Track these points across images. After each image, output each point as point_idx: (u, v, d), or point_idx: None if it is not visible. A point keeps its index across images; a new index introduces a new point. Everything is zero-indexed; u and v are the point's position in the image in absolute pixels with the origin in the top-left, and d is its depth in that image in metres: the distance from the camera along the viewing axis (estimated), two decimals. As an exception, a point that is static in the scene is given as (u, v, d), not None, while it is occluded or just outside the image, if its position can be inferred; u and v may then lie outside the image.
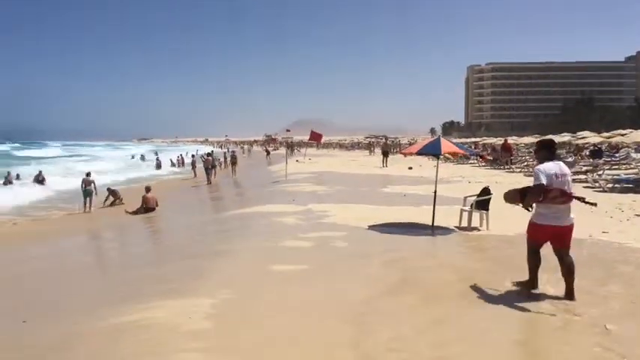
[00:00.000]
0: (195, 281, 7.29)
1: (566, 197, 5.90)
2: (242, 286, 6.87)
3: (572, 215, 6.02)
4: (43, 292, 8.18)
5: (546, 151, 6.15)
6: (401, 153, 17.42)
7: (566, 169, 6.07)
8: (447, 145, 10.77)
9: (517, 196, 6.39)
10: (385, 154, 36.39)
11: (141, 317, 5.87)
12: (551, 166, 5.97)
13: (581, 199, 6.26)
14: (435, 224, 10.84)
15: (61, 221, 17.34)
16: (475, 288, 6.56)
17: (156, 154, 65.00)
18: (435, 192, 11.20)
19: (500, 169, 31.06)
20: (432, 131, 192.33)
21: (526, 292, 6.28)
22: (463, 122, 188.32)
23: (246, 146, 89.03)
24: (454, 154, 11.77)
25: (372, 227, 11.06)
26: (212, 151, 35.19)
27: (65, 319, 6.34)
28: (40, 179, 28.91)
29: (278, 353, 4.75)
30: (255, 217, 13.54)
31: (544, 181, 5.84)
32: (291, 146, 59.81)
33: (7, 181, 28.53)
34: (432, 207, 11.14)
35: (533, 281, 6.36)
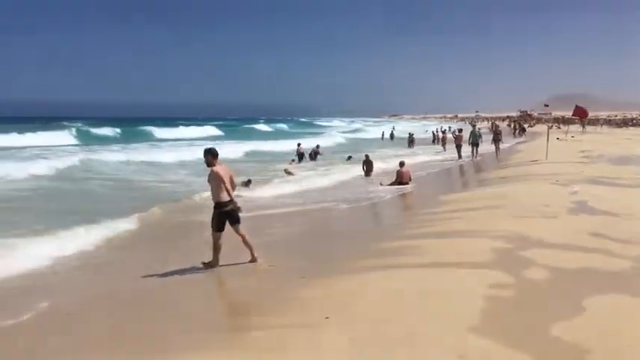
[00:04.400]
0: (456, 257, 7.26)
1: None
2: (509, 269, 6.57)
3: None
4: (321, 252, 9.14)
5: None
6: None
7: None
8: None
9: None
10: (672, 131, 30.83)
11: (409, 285, 6.10)
12: None
13: None
14: None
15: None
16: None
17: (392, 128, 67.24)
18: None
19: None
20: None
21: None
22: None
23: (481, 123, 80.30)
24: None
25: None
26: (475, 127, 33.36)
27: (330, 279, 6.95)
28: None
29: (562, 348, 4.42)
30: (509, 196, 12.85)
31: None
32: (515, 128, 53.56)
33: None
34: None
35: None
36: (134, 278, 7.68)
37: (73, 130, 55.05)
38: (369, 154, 23.73)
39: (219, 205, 7.77)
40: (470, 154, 28.12)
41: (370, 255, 8.24)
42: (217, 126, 78.62)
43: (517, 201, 12.06)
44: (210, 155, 7.84)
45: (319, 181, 19.77)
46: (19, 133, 47.44)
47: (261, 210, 13.67)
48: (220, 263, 8.12)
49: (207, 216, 8.19)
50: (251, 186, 18.22)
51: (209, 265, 7.92)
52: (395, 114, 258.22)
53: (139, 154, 30.25)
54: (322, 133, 69.70)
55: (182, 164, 26.43)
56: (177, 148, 36.39)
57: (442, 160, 28.84)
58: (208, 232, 8.09)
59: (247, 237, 8.04)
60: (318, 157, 29.12)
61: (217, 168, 7.77)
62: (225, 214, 7.80)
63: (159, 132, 62.99)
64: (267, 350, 4.75)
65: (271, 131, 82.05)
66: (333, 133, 66.99)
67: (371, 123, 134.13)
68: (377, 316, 5.24)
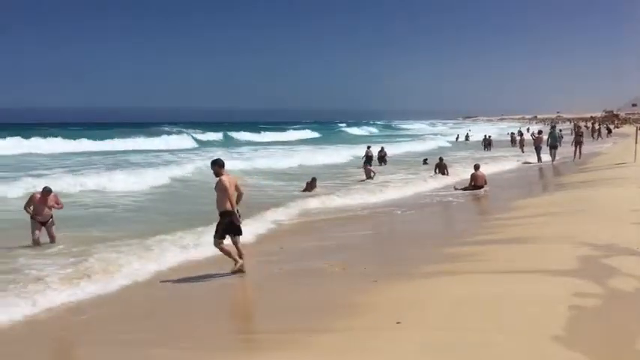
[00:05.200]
0: (534, 264, 7.00)
1: None
2: (594, 278, 6.26)
3: None
4: (392, 256, 9.09)
5: None
6: None
7: None
8: None
9: None
10: None
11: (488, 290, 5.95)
12: None
13: None
14: None
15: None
16: None
17: (469, 130, 65.31)
18: None
19: None
20: None
21: None
22: None
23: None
24: None
25: None
26: (555, 128, 31.53)
27: (402, 284, 6.89)
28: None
29: None
30: (592, 200, 12.22)
31: None
32: (594, 130, 49.52)
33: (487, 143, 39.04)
34: None
35: None
36: (225, 278, 7.99)
37: (184, 135, 55.95)
38: (443, 157, 23.36)
39: (224, 214, 7.96)
40: (549, 156, 26.94)
41: (443, 260, 8.10)
42: (312, 129, 79.38)
43: (602, 205, 11.43)
44: (217, 166, 8.08)
45: (394, 185, 19.65)
46: (121, 137, 48.27)
47: (336, 213, 13.80)
48: (293, 267, 8.28)
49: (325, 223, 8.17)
50: (317, 189, 18.32)
51: (238, 271, 8.02)
52: (469, 116, 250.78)
53: (254, 159, 29.56)
54: (420, 136, 67.96)
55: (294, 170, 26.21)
56: (287, 152, 36.28)
57: (520, 163, 27.78)
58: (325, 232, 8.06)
59: (243, 251, 8.14)
60: (385, 160, 28.85)
61: (224, 178, 7.95)
62: (230, 223, 7.97)
63: (258, 136, 63.26)
64: (336, 353, 4.77)
65: (365, 135, 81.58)
66: (430, 136, 64.58)
67: (451, 125, 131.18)
68: (450, 323, 5.14)
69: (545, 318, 4.98)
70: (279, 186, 20.06)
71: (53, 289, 7.21)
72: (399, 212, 14.06)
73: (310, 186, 18.59)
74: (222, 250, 8.08)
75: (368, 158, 26.42)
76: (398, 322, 5.21)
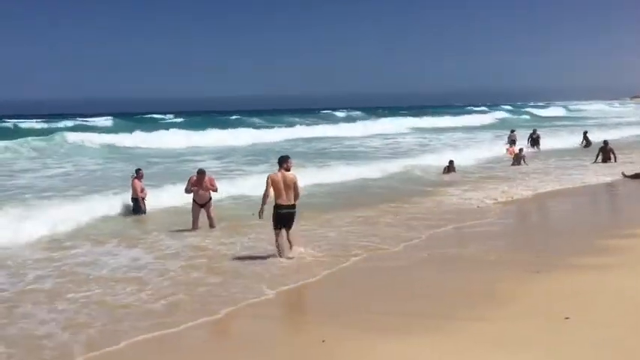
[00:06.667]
0: None
1: None
2: None
3: None
4: (551, 246, 8.54)
5: None
6: None
7: None
8: None
9: None
10: None
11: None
12: None
13: None
14: None
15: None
16: None
17: None
18: None
19: None
20: None
21: None
22: None
23: None
24: None
25: None
26: None
27: (565, 276, 6.37)
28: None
29: None
30: None
31: None
32: None
33: None
34: None
35: None
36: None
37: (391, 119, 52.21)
38: (608, 141, 21.23)
39: (275, 207, 8.26)
40: None
41: (607, 252, 7.62)
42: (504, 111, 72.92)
43: None
44: (278, 162, 8.44)
45: (549, 171, 18.38)
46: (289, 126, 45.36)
47: (482, 200, 13.23)
48: (440, 252, 8.12)
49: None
50: (456, 173, 17.68)
51: (280, 255, 8.28)
52: (637, 96, 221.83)
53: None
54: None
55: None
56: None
57: None
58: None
59: (293, 241, 8.41)
60: (538, 142, 26.45)
61: (273, 175, 8.28)
62: (280, 216, 8.22)
63: (450, 121, 54.76)
64: (488, 342, 4.61)
65: (557, 116, 72.72)
66: None
67: (635, 105, 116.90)
68: (623, 321, 4.73)
69: None
70: (424, 169, 19.58)
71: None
72: (556, 201, 13.12)
73: (449, 169, 18.11)
74: (276, 239, 8.41)
75: (512, 142, 24.75)
76: (566, 318, 4.84)
